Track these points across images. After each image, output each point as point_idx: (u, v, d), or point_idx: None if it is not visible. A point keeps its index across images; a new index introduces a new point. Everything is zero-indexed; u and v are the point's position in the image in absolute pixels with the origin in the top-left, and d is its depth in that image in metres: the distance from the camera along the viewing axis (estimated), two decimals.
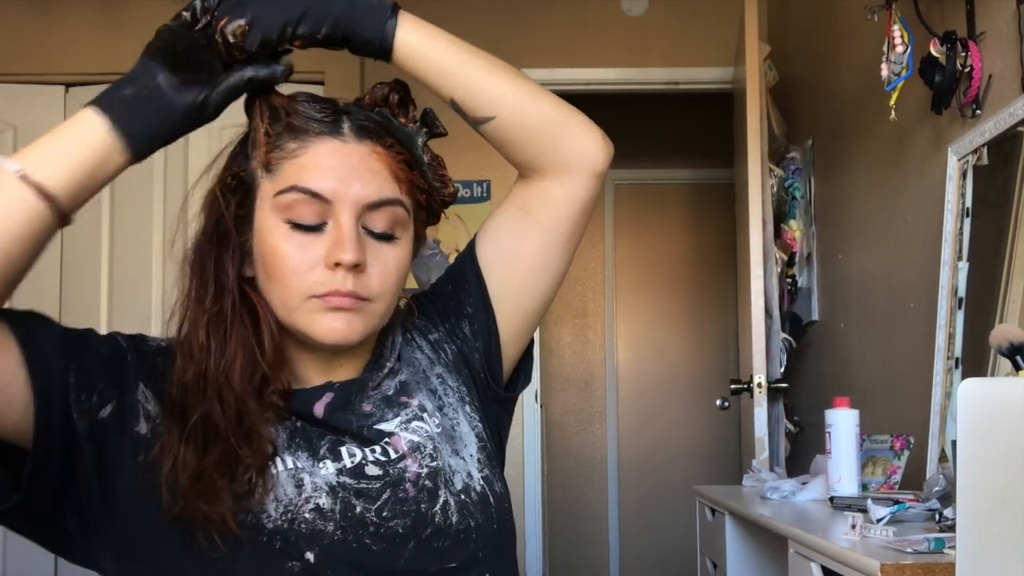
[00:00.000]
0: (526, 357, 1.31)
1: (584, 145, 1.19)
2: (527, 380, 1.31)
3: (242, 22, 1.02)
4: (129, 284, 4.01)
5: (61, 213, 0.98)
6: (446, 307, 1.26)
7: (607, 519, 6.07)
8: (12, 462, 1.02)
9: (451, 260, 1.31)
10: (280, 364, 1.11)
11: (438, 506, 1.09)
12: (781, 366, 3.66)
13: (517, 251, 1.22)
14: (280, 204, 1.06)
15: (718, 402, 4.18)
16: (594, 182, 1.20)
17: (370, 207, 1.07)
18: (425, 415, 1.17)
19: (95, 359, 1.06)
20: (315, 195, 1.05)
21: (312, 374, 1.15)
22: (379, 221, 1.09)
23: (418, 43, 1.10)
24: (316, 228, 1.06)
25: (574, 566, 5.96)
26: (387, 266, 1.09)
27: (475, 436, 1.19)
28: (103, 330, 1.11)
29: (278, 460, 1.07)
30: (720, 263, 5.96)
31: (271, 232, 1.07)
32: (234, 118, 1.13)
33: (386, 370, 1.18)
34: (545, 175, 1.19)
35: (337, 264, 1.05)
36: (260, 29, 1.03)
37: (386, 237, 1.10)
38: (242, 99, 1.08)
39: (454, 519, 1.09)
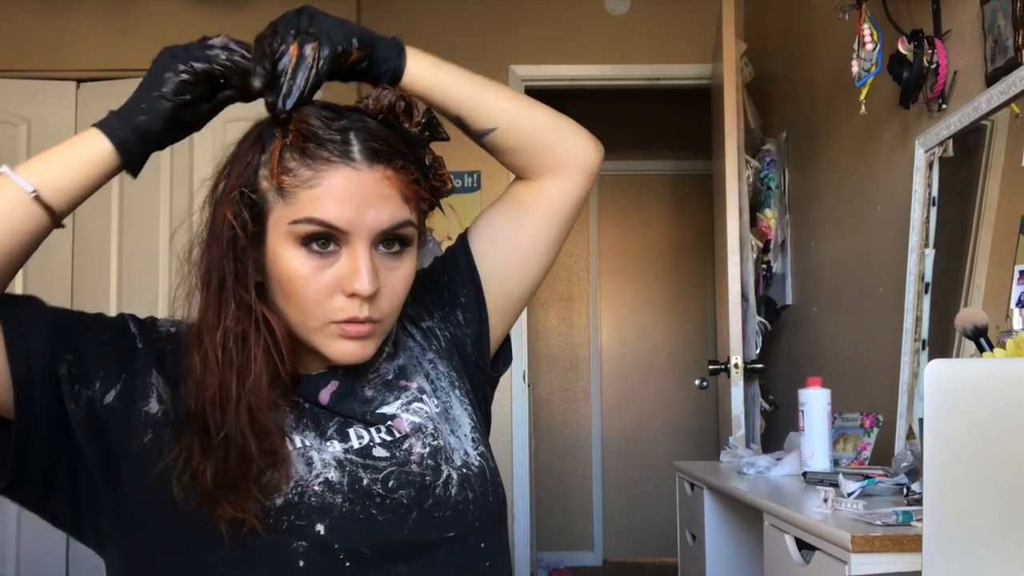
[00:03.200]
0: (507, 339, 1.33)
1: (579, 145, 1.22)
2: (509, 360, 1.33)
3: (314, 43, 1.04)
4: (137, 273, 3.98)
5: (55, 218, 1.00)
6: (440, 296, 1.26)
7: (591, 493, 6.08)
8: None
9: (442, 246, 1.31)
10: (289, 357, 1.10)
11: (441, 479, 1.10)
12: (757, 348, 3.66)
13: (510, 240, 1.24)
14: (295, 232, 1.04)
15: (697, 382, 4.18)
16: (588, 180, 1.24)
17: (383, 233, 1.07)
18: (425, 397, 1.18)
19: (96, 347, 1.05)
20: (331, 227, 1.04)
21: (314, 361, 1.14)
22: (390, 242, 1.09)
23: (427, 65, 1.14)
24: (332, 252, 1.05)
25: (560, 538, 5.98)
26: (396, 285, 1.10)
27: (468, 417, 1.20)
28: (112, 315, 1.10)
29: (287, 441, 1.07)
30: (699, 250, 5.97)
31: (287, 257, 1.05)
32: (239, 112, 1.11)
33: (384, 355, 1.19)
34: (543, 176, 1.22)
35: (354, 294, 1.05)
36: (328, 44, 1.05)
37: (395, 254, 1.10)
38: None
39: (454, 491, 1.10)
